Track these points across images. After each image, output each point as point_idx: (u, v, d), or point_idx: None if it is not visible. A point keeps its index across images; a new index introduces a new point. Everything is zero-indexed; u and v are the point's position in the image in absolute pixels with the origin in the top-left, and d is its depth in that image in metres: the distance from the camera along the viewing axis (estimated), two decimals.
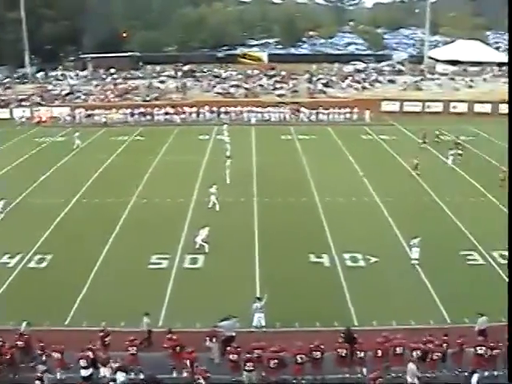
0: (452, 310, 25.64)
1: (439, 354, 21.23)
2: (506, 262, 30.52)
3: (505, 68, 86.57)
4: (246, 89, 75.47)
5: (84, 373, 20.57)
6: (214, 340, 22.15)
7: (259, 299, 24.44)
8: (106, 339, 22.15)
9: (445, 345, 21.55)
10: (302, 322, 24.57)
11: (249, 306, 24.38)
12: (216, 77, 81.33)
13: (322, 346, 21.09)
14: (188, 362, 20.70)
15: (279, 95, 73.47)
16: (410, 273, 29.35)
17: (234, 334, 22.63)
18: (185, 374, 21.11)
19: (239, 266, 29.92)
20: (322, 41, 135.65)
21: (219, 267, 29.72)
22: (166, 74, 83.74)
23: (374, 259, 30.70)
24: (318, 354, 21.02)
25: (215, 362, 21.81)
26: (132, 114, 67.90)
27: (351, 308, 25.87)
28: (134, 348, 21.39)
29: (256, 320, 24.09)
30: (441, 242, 32.87)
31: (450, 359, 21.61)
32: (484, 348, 21.21)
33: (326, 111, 69.13)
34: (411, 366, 20.47)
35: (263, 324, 24.13)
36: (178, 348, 21.40)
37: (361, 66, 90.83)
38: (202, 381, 19.63)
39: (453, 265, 30.22)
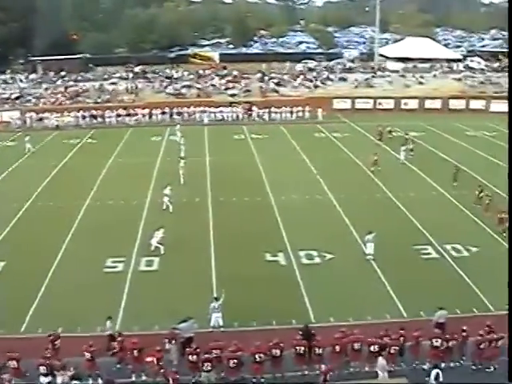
0: (408, 304, 26.03)
1: (396, 347, 21.52)
2: (459, 255, 31.24)
3: (453, 64, 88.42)
4: (198, 89, 75.21)
5: (43, 380, 20.22)
6: (172, 342, 22.04)
7: (216, 299, 24.39)
8: (56, 342, 21.77)
9: (401, 338, 21.86)
10: (259, 320, 24.59)
11: (206, 306, 24.31)
12: (168, 77, 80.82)
13: (282, 344, 21.17)
14: (155, 360, 20.57)
15: (231, 95, 73.41)
16: (366, 268, 29.67)
17: (192, 335, 22.55)
18: (144, 378, 20.95)
19: (195, 266, 29.81)
20: (274, 40, 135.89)
21: (175, 268, 29.57)
22: (117, 75, 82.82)
23: (329, 256, 30.95)
24: (277, 352, 21.09)
25: (174, 363, 21.69)
26: (83, 117, 66.96)
27: (308, 305, 26.02)
28: (90, 354, 21.10)
29: (214, 320, 24.04)
30: (395, 237, 33.34)
31: (407, 352, 21.96)
32: (440, 340, 21.58)
33: (279, 110, 69.38)
34: (381, 361, 20.74)
35: (221, 324, 24.09)
36: (136, 351, 21.21)
37: (312, 64, 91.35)
38: (171, 382, 19.57)
39: (407, 259, 30.68)
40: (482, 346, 21.62)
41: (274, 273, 29.16)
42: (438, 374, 19.92)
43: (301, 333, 22.11)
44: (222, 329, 23.95)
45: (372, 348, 21.38)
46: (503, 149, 54.56)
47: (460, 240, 33.02)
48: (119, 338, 21.98)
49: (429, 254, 31.55)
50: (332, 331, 22.34)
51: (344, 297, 26.80)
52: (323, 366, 20.82)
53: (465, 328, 22.25)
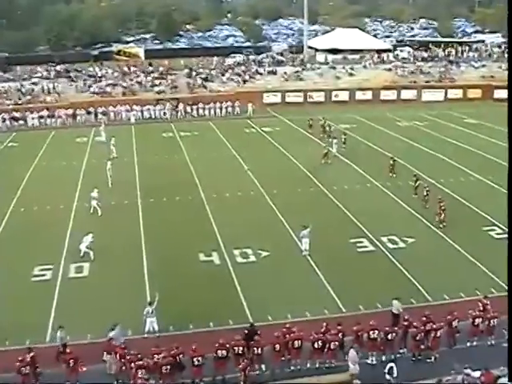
0: (346, 299, 26.38)
1: (336, 343, 21.76)
2: (395, 246, 31.87)
3: (384, 54, 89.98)
4: (123, 87, 74.19)
5: None
6: (111, 353, 21.58)
7: (150, 303, 24.13)
8: None
9: (340, 334, 22.11)
10: (196, 323, 24.47)
11: (140, 311, 24.02)
12: (91, 76, 79.40)
13: (228, 345, 21.15)
14: (133, 367, 20.29)
15: (158, 92, 72.77)
16: (302, 264, 29.92)
17: (122, 340, 22.25)
18: None
19: (127, 270, 29.42)
20: (200, 34, 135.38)
21: (106, 274, 29.11)
22: (38, 75, 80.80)
23: (264, 253, 31.08)
24: (223, 353, 21.06)
25: (112, 372, 21.31)
26: (4, 120, 65.01)
27: (245, 304, 26.04)
28: (26, 367, 20.48)
29: (148, 325, 23.77)
30: (330, 231, 33.77)
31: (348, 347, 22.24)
32: (377, 332, 21.94)
33: (208, 106, 69.29)
34: (352, 353, 20.97)
35: (156, 329, 23.84)
36: (72, 362, 20.75)
37: (241, 58, 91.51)
38: None
39: (343, 253, 31.12)
40: (417, 338, 22.08)
41: (208, 273, 29.08)
42: (391, 367, 20.25)
43: (246, 332, 22.13)
44: (157, 334, 23.71)
45: (316, 345, 21.56)
46: (435, 138, 56.23)
47: (396, 231, 33.69)
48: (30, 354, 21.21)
49: (365, 246, 32.07)
50: (271, 330, 22.42)
51: (281, 294, 26.94)
52: (263, 366, 20.91)
53: (406, 317, 22.72)
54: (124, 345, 21.93)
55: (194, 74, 79.41)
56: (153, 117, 68.21)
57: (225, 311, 25.40)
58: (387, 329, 22.13)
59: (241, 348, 21.38)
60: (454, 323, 22.72)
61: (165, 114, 68.57)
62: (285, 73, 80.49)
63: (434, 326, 22.26)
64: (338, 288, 27.33)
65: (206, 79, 77.37)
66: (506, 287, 26.27)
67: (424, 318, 22.72)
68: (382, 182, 42.38)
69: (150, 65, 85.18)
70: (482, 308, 23.66)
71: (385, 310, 24.88)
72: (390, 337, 22.11)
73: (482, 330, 23.05)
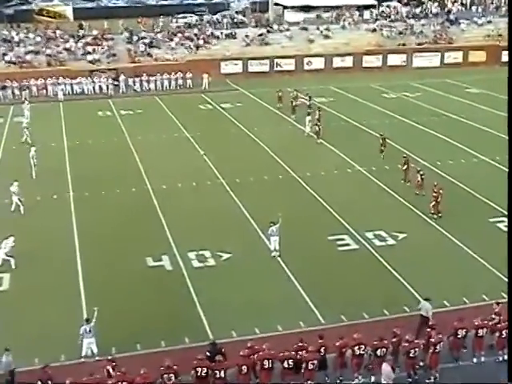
0: (326, 308, 26.54)
1: (315, 361, 21.86)
2: (383, 244, 32.19)
3: (366, 12, 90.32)
4: (47, 55, 73.44)
5: None
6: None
7: (87, 321, 24.01)
8: None
9: (322, 349, 22.25)
10: (144, 343, 24.42)
11: (75, 330, 23.88)
12: (6, 41, 78.40)
13: (175, 367, 21.11)
14: None
15: (92, 61, 72.21)
16: (272, 268, 30.06)
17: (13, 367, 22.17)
18: None
19: (57, 281, 29.19)
20: None
21: (31, 286, 28.83)
22: None
23: (225, 255, 31.16)
24: (170, 377, 21.02)
25: None
26: None
27: (204, 318, 26.08)
28: None
29: (85, 347, 23.64)
30: (305, 227, 34.02)
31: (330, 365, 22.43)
32: (364, 347, 22.15)
33: (153, 78, 69.11)
34: (385, 368, 21.13)
35: (95, 351, 23.75)
36: None
37: (192, 19, 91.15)
38: None
39: (321, 253, 31.34)
40: (411, 355, 22.30)
41: (158, 281, 29.03)
42: None
43: (208, 352, 22.15)
44: (96, 357, 23.62)
45: (286, 364, 21.69)
46: (430, 112, 56.84)
47: (383, 226, 34.05)
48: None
49: (346, 244, 32.36)
50: (236, 348, 22.49)
51: (247, 304, 27.01)
52: None
53: (396, 331, 22.86)
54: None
55: (135, 38, 78.92)
56: (86, 92, 67.88)
57: (179, 327, 25.39)
58: (376, 343, 22.30)
59: (204, 370, 21.37)
60: (460, 333, 22.98)
61: (101, 88, 68.16)
62: (246, 36, 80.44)
63: (433, 340, 22.49)
64: (316, 295, 27.49)
65: (150, 45, 76.97)
66: None
67: (429, 329, 22.94)
68: (366, 167, 42.77)
69: (81, 27, 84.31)
70: (493, 316, 23.91)
71: (373, 321, 25.21)
72: (379, 353, 22.30)
73: (492, 344, 23.39)
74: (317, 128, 48.38)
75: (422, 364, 22.46)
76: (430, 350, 22.31)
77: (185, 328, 25.37)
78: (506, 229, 33.54)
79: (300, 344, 22.26)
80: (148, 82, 69.10)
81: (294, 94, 58.09)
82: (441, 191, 34.83)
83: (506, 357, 22.77)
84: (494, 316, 23.80)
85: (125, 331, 24.98)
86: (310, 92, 59.92)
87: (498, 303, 24.45)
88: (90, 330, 23.66)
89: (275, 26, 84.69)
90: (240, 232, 33.86)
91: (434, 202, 34.89)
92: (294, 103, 56.53)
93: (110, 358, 22.12)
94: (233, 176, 41.42)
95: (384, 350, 22.26)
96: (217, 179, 41.27)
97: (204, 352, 22.12)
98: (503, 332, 22.94)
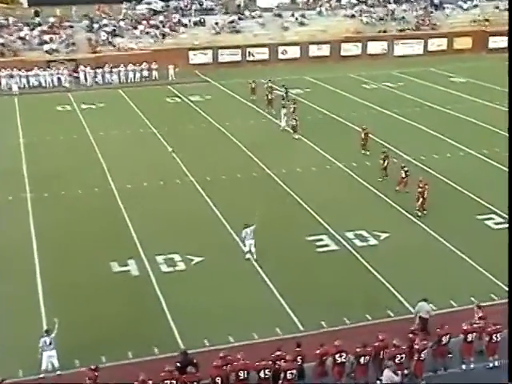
0: (304, 314, 26.58)
1: (294, 371, 21.90)
2: (365, 244, 32.31)
3: None
4: (0, 45, 72.95)
5: None
6: None
7: (47, 332, 23.89)
8: None
9: (300, 358, 22.30)
10: (110, 354, 24.31)
11: (34, 343, 23.73)
12: None
13: (150, 382, 21.06)
14: None
15: (49, 51, 71.81)
16: (246, 271, 30.08)
17: None
18: None
19: (14, 289, 28.89)
20: None
21: None
22: None
23: (196, 259, 31.12)
24: None
25: None
26: None
27: (174, 326, 26.04)
28: None
29: (46, 361, 23.48)
30: (281, 227, 34.07)
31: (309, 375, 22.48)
32: (345, 355, 22.22)
33: (116, 69, 68.85)
34: (387, 373, 21.18)
35: (56, 365, 23.65)
36: None
37: (158, 5, 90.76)
38: None
39: (299, 255, 31.39)
40: (398, 361, 22.40)
41: (124, 287, 28.95)
42: None
43: (178, 363, 22.11)
44: (57, 372, 23.50)
45: (262, 374, 21.70)
46: (413, 104, 57.13)
47: (365, 225, 34.18)
48: None
49: (325, 245, 32.45)
50: (209, 358, 22.47)
51: (220, 311, 26.98)
52: None
53: (381, 337, 22.94)
54: None
55: (96, 26, 78.57)
56: (43, 84, 67.54)
57: (148, 336, 25.31)
58: (358, 350, 22.36)
59: (174, 382, 21.36)
60: (444, 340, 23.12)
61: (59, 80, 67.78)
62: (216, 23, 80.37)
63: (417, 346, 22.58)
64: (294, 300, 27.52)
65: (112, 34, 76.67)
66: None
67: (411, 335, 23.00)
68: (345, 163, 42.91)
69: (37, 14, 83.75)
70: (477, 320, 24.10)
71: (355, 326, 25.32)
72: (362, 360, 22.39)
73: (482, 350, 23.54)
74: (294, 122, 48.44)
75: (406, 372, 22.55)
76: (415, 358, 22.40)
77: (153, 337, 25.28)
78: (495, 226, 33.93)
79: (277, 353, 22.27)
80: (111, 73, 68.84)
81: (268, 86, 58.08)
82: (426, 187, 35.01)
83: (497, 363, 23.04)
84: (478, 320, 23.95)
85: (88, 342, 24.81)
86: (286, 83, 60.06)
87: (479, 306, 24.65)
88: (50, 342, 23.51)
89: (247, 13, 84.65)
90: (212, 234, 33.82)
91: (421, 199, 35.00)
92: (269, 96, 56.53)
93: (92, 367, 21.95)
94: (203, 174, 41.39)
95: (367, 357, 22.35)
96: (186, 177, 41.24)
97: (174, 363, 22.10)
98: (494, 336, 23.09)
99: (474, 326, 23.39)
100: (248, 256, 30.87)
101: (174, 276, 29.91)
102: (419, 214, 34.92)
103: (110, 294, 28.50)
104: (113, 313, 27.00)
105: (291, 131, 48.96)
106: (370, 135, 44.57)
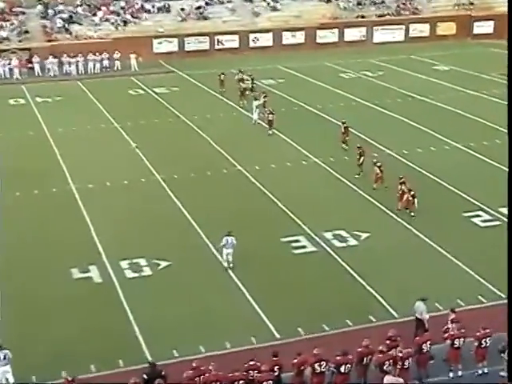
0: (280, 321, 26.63)
1: (270, 382, 21.95)
2: (344, 245, 32.44)
3: None
4: None
5: None
6: None
7: (0, 347, 23.82)
8: None
9: (276, 368, 22.34)
10: (71, 368, 24.07)
11: None
12: None
13: None
14: None
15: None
16: (217, 275, 30.12)
17: None
18: None
19: None
20: None
21: None
22: None
23: (164, 263, 31.11)
24: None
25: None
26: None
27: (140, 336, 26.01)
28: None
29: (0, 377, 23.43)
30: (254, 228, 34.19)
31: None
32: (325, 363, 22.28)
33: (74, 60, 68.47)
34: (389, 378, 21.35)
35: (11, 381, 23.52)
36: None
37: None
38: None
39: (274, 257, 31.48)
40: (385, 367, 22.48)
41: (86, 295, 28.79)
42: None
43: (145, 376, 22.09)
44: None
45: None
46: (394, 94, 57.38)
47: (344, 224, 34.31)
48: None
49: (302, 246, 32.56)
50: (179, 369, 22.46)
51: (190, 319, 26.99)
52: None
53: (365, 343, 22.99)
54: None
55: (51, 12, 78.14)
56: None
57: (112, 348, 25.25)
58: (339, 358, 22.42)
59: None
60: (425, 347, 23.23)
61: (11, 71, 67.40)
62: (182, 9, 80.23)
63: (401, 354, 22.67)
64: (269, 306, 27.56)
65: (69, 21, 76.29)
66: (499, 293, 27.44)
67: (388, 342, 23.17)
68: (322, 158, 43.05)
69: None
70: (449, 324, 24.21)
71: (334, 333, 25.41)
72: (343, 369, 22.46)
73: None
74: (269, 117, 48.13)
75: None
76: (398, 366, 22.49)
77: (118, 349, 25.22)
78: (482, 224, 34.19)
79: (251, 363, 22.30)
80: (68, 64, 68.44)
81: (239, 76, 58.11)
82: (404, 185, 35.05)
83: (486, 370, 23.19)
84: (449, 325, 24.02)
85: (47, 356, 24.71)
86: (257, 73, 60.16)
87: (453, 310, 24.77)
88: (4, 357, 23.37)
89: None
90: (180, 236, 33.86)
91: (405, 198, 35.05)
92: (241, 87, 56.60)
93: (69, 378, 21.86)
94: (170, 172, 41.37)
95: (349, 365, 22.42)
96: (152, 176, 41.19)
97: (141, 375, 22.04)
98: (483, 341, 23.23)
99: (462, 330, 23.53)
100: (226, 265, 30.51)
101: (139, 282, 29.85)
102: (412, 214, 34.90)
103: (70, 302, 28.34)
104: (74, 323, 26.87)
105: (266, 125, 48.99)
106: (349, 129, 44.64)
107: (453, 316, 24.33)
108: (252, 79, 57.37)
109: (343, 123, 44.91)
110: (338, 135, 44.59)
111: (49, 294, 29.01)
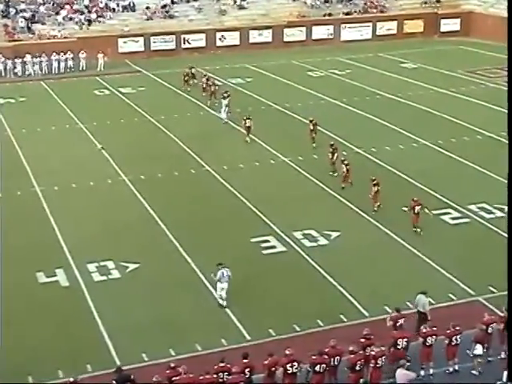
0: (251, 322, 26.65)
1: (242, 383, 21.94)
2: (314, 244, 32.47)
3: None
4: None
5: None
6: None
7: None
8: None
9: (247, 370, 22.29)
10: (36, 374, 23.84)
11: None
12: None
13: None
14: None
15: None
16: (186, 276, 30.13)
17: None
18: None
19: None
20: None
21: None
22: None
23: (132, 266, 31.01)
24: None
25: None
26: None
27: (108, 341, 25.86)
28: None
29: None
30: (222, 228, 34.21)
31: None
32: (296, 364, 22.25)
33: (37, 59, 67.85)
34: (402, 372, 21.64)
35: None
36: None
37: None
38: None
39: (243, 258, 31.43)
40: (357, 368, 22.51)
41: (52, 300, 28.64)
42: None
43: (114, 381, 21.97)
44: None
45: None
46: (362, 92, 57.57)
47: (314, 224, 34.37)
48: None
49: (272, 247, 32.60)
50: (148, 373, 22.35)
51: (159, 322, 26.92)
52: None
53: (333, 344, 23.00)
54: None
55: (12, 11, 77.56)
56: None
57: (80, 353, 25.07)
58: (315, 357, 22.36)
59: None
60: (400, 343, 23.30)
61: None
62: (147, 8, 79.93)
63: (374, 353, 22.70)
64: (239, 307, 27.53)
65: (32, 20, 75.80)
66: (469, 291, 27.65)
67: (363, 340, 23.20)
68: (291, 157, 43.06)
69: None
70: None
71: (306, 334, 25.43)
72: (318, 369, 22.43)
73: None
74: (247, 122, 46.42)
75: (361, 381, 22.70)
76: (371, 365, 22.52)
77: (86, 354, 25.04)
78: (451, 221, 34.35)
79: (221, 365, 22.27)
80: (32, 64, 67.79)
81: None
82: (375, 184, 35.14)
83: (457, 367, 23.33)
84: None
85: (11, 362, 24.50)
86: (224, 72, 60.20)
87: (398, 310, 24.71)
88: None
89: None
90: (148, 237, 33.74)
91: (374, 197, 35.09)
92: (207, 87, 56.51)
93: (71, 380, 21.71)
94: (137, 172, 41.19)
95: (324, 365, 22.37)
96: (118, 177, 41.00)
97: (110, 380, 21.91)
98: (454, 339, 23.33)
99: (434, 328, 23.63)
100: (222, 302, 27.85)
101: (107, 285, 29.71)
102: (375, 209, 35.05)
103: (36, 307, 28.17)
104: (40, 328, 26.70)
105: (233, 124, 48.98)
106: (317, 127, 44.68)
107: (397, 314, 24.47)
108: (207, 78, 57.22)
109: (311, 121, 44.99)
110: (306, 133, 44.60)
111: (14, 299, 28.69)
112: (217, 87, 54.46)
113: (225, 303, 27.64)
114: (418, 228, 33.29)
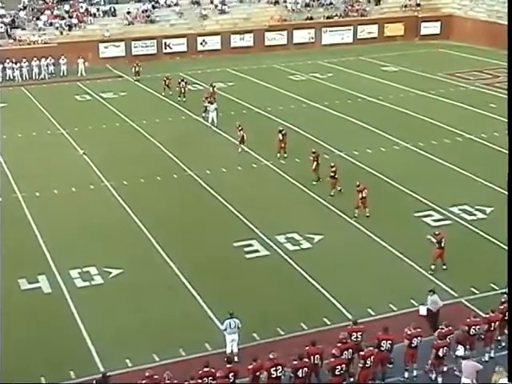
0: None
1: None
2: (297, 248, 32.46)
3: None
4: None
5: None
6: None
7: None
8: None
9: (231, 374, 22.24)
10: (21, 381, 23.85)
11: None
12: None
13: None
14: None
15: None
16: (169, 282, 30.03)
17: None
18: None
19: None
20: None
21: None
22: None
23: (115, 271, 30.87)
24: None
25: None
26: None
27: (92, 347, 25.75)
28: None
29: None
30: (205, 232, 34.17)
31: None
32: (280, 368, 22.22)
33: (17, 65, 67.47)
34: (469, 363, 21.84)
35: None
36: None
37: None
38: None
39: (226, 262, 31.43)
40: (337, 372, 22.48)
41: (35, 306, 28.49)
42: None
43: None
44: None
45: None
46: (343, 95, 57.67)
47: (296, 227, 34.38)
48: None
49: (255, 251, 32.57)
50: (132, 378, 22.31)
51: (143, 327, 26.87)
52: None
53: (272, 357, 22.66)
54: None
55: None
56: None
57: (63, 360, 24.99)
58: (296, 363, 22.35)
59: None
60: (384, 345, 23.29)
61: None
62: (128, 13, 79.79)
63: (362, 353, 22.66)
64: (222, 311, 27.14)
65: (12, 25, 75.53)
66: (452, 293, 27.72)
67: (339, 344, 23.08)
68: (273, 161, 43.05)
69: None
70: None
71: (290, 337, 25.41)
72: (300, 373, 22.41)
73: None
74: (240, 132, 45.19)
75: (351, 380, 22.72)
76: (360, 365, 22.53)
77: (70, 360, 24.96)
78: (434, 224, 34.38)
79: (206, 369, 22.22)
80: (12, 69, 67.43)
81: (185, 80, 58.24)
82: (361, 189, 35.08)
83: (445, 368, 23.40)
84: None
85: None
86: (206, 76, 60.17)
87: (355, 323, 24.46)
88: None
89: (162, 0, 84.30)
90: (131, 243, 33.64)
91: (361, 203, 34.95)
92: (182, 88, 57.01)
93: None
94: (119, 178, 41.07)
95: (306, 369, 22.37)
96: (101, 182, 40.86)
97: None
98: (413, 341, 23.41)
99: (418, 330, 23.63)
100: (233, 358, 24.14)
101: (90, 291, 29.57)
102: (356, 214, 35.01)
103: (18, 314, 28.00)
104: (22, 335, 26.53)
105: (214, 128, 49.04)
106: (286, 136, 43.80)
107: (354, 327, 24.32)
108: (185, 83, 57.17)
109: (280, 131, 44.23)
110: (275, 142, 44.01)
111: None
112: (187, 86, 55.34)
113: (236, 359, 24.14)
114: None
